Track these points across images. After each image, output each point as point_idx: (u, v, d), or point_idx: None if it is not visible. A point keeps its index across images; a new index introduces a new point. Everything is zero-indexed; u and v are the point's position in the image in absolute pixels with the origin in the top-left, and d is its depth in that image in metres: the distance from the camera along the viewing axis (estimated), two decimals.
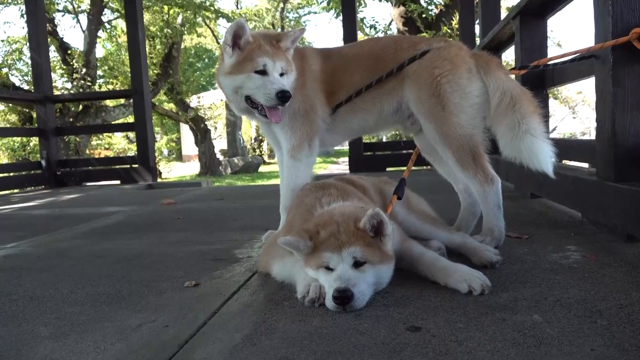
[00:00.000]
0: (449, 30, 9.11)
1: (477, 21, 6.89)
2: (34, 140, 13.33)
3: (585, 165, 3.67)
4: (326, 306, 1.59)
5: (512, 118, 2.16)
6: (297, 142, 2.38)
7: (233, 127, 22.81)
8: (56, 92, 12.30)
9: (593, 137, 2.55)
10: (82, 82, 13.96)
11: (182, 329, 1.51)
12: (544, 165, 2.10)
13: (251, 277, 2.04)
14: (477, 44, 5.93)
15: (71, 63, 14.20)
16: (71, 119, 13.57)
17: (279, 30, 26.43)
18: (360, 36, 15.56)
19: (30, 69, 8.93)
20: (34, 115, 9.80)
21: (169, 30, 16.69)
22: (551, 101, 19.07)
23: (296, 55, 2.44)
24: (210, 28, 23.79)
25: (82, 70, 14.04)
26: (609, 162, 2.35)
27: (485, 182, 2.21)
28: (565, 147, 3.30)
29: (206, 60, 34.80)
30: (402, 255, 1.85)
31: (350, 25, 7.15)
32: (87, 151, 15.63)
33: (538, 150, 2.10)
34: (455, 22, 8.68)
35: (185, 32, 18.55)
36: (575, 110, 24.50)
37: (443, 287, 1.73)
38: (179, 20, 17.71)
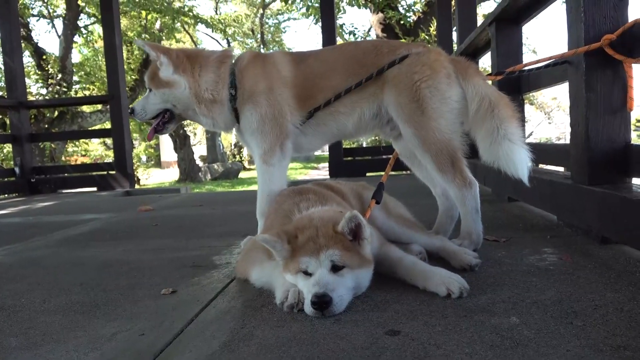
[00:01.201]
0: (426, 37, 9.21)
1: (454, 28, 6.98)
2: (7, 147, 13.05)
3: (561, 169, 3.74)
4: (305, 312, 1.58)
5: (490, 123, 2.18)
6: (268, 147, 2.37)
7: (213, 133, 22.66)
8: (31, 98, 12.07)
9: (568, 141, 2.59)
10: (58, 87, 13.74)
11: (158, 338, 1.48)
12: (519, 171, 2.11)
13: (229, 283, 2.02)
14: (455, 50, 6.01)
15: (46, 68, 13.97)
16: (46, 125, 13.32)
17: (259, 36, 26.42)
18: (340, 42, 15.67)
19: (3, 74, 8.73)
20: (7, 121, 9.58)
21: (147, 36, 16.55)
22: (527, 107, 19.41)
23: (261, 61, 2.46)
24: (189, 34, 23.67)
25: (57, 76, 13.82)
26: (583, 166, 2.39)
27: (463, 186, 2.23)
28: (541, 152, 3.35)
29: None
30: (381, 259, 1.85)
31: (330, 33, 7.18)
32: (63, 158, 15.35)
33: (515, 157, 2.12)
34: (433, 28, 8.78)
35: (164, 38, 18.41)
36: (551, 116, 24.98)
37: (422, 291, 1.73)
38: (157, 25, 17.58)
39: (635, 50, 2.23)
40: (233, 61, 2.50)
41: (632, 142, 2.35)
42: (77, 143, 18.09)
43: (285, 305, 1.62)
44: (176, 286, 2.01)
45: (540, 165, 3.91)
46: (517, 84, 3.79)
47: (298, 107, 2.40)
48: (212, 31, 20.90)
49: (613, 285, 1.70)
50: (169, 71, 2.41)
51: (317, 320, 1.52)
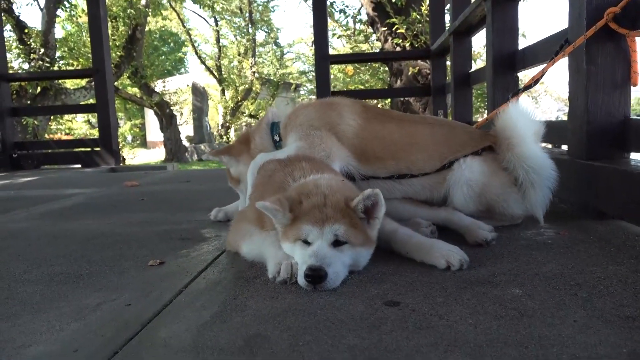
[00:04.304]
0: (418, 16, 9.07)
1: (447, 6, 6.86)
2: None
3: (548, 145, 3.72)
4: (298, 283, 1.51)
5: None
6: (307, 146, 2.20)
7: (199, 113, 22.35)
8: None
9: None
10: (40, 62, 13.35)
11: (145, 308, 1.41)
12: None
13: (219, 255, 1.95)
14: (447, 28, 5.91)
15: (28, 42, 13.55)
16: (29, 102, 12.97)
17: (247, 15, 25.94)
18: (330, 22, 15.38)
19: None
20: None
21: (132, 11, 16.12)
22: None
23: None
24: (175, 11, 23.15)
25: (40, 51, 13.42)
26: (581, 140, 2.35)
27: None
28: None
29: (172, 44, 33.97)
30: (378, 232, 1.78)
31: (320, 11, 7.00)
32: (47, 136, 15.02)
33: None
34: (425, 7, 8.63)
35: (150, 14, 17.98)
36: (538, 100, 25.04)
37: (419, 263, 1.68)
38: (144, 1, 17.13)
39: (638, 22, 2.18)
40: None
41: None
42: (60, 121, 17.72)
43: (278, 280, 1.56)
44: (164, 258, 1.93)
45: None
46: (512, 61, 3.73)
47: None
48: (200, 7, 20.47)
49: (614, 258, 1.67)
50: None
51: (313, 291, 1.46)
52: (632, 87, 2.30)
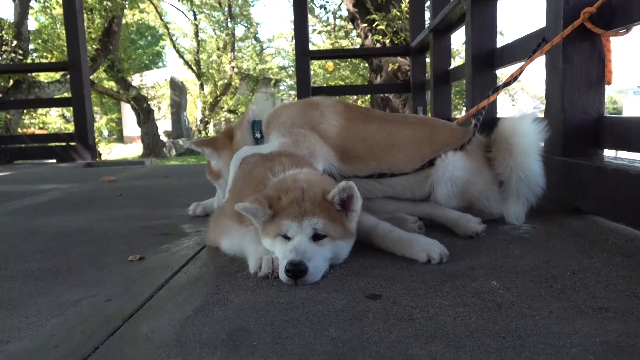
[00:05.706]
0: (398, 13, 9.12)
1: (427, 4, 6.92)
2: None
3: None
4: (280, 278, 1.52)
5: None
6: (291, 142, 2.21)
7: (178, 107, 22.10)
8: None
9: None
10: (13, 55, 13.02)
11: (126, 303, 1.40)
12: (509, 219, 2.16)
13: (200, 250, 1.94)
14: (427, 25, 5.96)
15: (0, 34, 13.21)
16: (1, 95, 12.66)
17: (226, 9, 25.72)
18: (310, 18, 15.34)
19: None
20: None
21: (108, 3, 15.82)
22: None
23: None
24: (153, 4, 22.84)
25: (12, 43, 13.09)
26: (557, 137, 2.40)
27: None
28: None
29: (149, 38, 33.50)
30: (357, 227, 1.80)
31: (300, 6, 6.98)
32: (19, 130, 14.68)
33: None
34: (405, 4, 8.69)
35: (127, 7, 17.68)
36: (515, 98, 25.42)
37: (400, 257, 1.70)
38: None
39: (613, 22, 2.23)
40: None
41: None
42: (34, 114, 17.33)
43: (259, 276, 1.56)
44: (144, 253, 1.91)
45: None
46: (491, 59, 3.78)
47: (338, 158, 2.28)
48: (178, 1, 20.21)
49: (588, 252, 1.72)
50: None
51: (294, 286, 1.47)
52: (606, 86, 2.37)
